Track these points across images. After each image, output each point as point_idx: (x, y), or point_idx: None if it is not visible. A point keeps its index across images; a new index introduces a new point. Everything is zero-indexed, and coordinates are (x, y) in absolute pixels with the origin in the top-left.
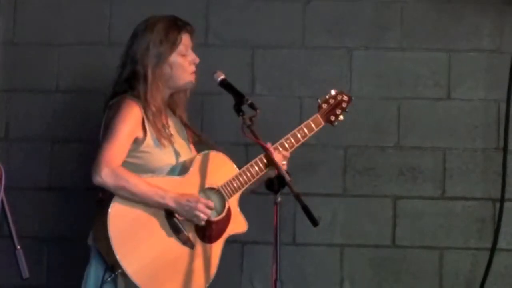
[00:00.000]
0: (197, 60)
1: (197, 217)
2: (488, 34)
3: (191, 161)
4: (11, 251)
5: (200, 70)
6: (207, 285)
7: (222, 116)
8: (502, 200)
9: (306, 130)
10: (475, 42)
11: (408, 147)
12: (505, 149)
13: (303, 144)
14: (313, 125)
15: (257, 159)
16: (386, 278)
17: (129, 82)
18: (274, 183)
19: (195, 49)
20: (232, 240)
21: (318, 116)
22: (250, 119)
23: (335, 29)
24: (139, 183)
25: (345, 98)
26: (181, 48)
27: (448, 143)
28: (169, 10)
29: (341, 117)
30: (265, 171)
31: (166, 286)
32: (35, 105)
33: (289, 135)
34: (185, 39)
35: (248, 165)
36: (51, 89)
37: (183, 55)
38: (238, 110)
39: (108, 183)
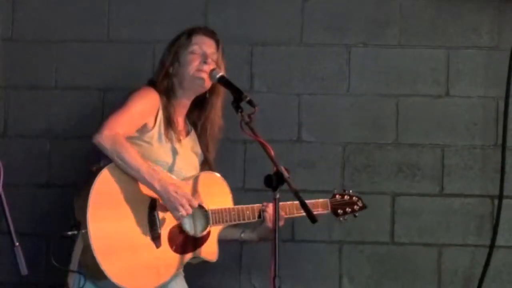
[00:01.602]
0: (209, 62)
1: (177, 210)
2: (486, 31)
3: (194, 176)
4: (9, 247)
5: None
6: (155, 286)
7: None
8: (500, 197)
9: (309, 207)
10: (474, 39)
11: (406, 144)
12: (503, 146)
13: (301, 141)
14: (319, 206)
15: (253, 206)
16: (385, 275)
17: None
18: (273, 179)
19: None
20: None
21: (327, 202)
22: (249, 116)
23: (334, 26)
24: (135, 156)
25: (360, 204)
26: (192, 47)
27: (446, 140)
28: (168, 8)
29: (347, 217)
30: (255, 220)
31: (117, 265)
32: (34, 101)
33: (292, 203)
34: (200, 40)
35: (243, 206)
36: (50, 86)
37: (195, 54)
38: (236, 107)
39: (106, 144)
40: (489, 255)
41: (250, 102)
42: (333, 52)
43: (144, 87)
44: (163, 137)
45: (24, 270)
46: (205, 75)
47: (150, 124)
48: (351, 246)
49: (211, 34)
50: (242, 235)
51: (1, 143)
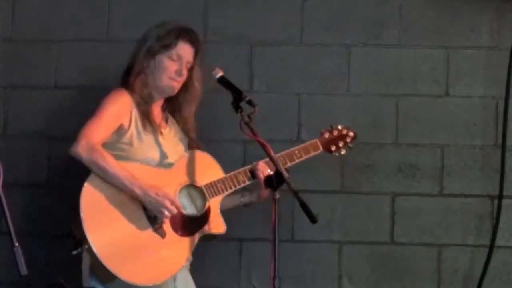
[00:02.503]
0: (183, 74)
1: (161, 213)
2: (486, 31)
3: (180, 158)
4: (9, 248)
5: None
6: (169, 276)
7: (220, 113)
8: (500, 197)
9: (302, 153)
10: (474, 39)
11: (406, 144)
12: (503, 146)
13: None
14: (310, 149)
15: (244, 168)
16: (385, 275)
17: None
18: (273, 180)
19: None
20: (230, 237)
21: (317, 142)
22: (249, 116)
23: (334, 26)
24: (111, 163)
25: (351, 134)
26: (173, 53)
27: (446, 140)
28: (168, 7)
29: (343, 151)
30: (250, 181)
31: (128, 267)
32: (33, 101)
33: (283, 153)
34: (182, 49)
35: (235, 172)
36: (49, 86)
37: (173, 61)
38: (236, 107)
39: (82, 154)
40: (489, 255)
41: (250, 102)
42: (332, 52)
43: (113, 90)
44: (142, 134)
45: (23, 270)
46: (177, 86)
47: (126, 124)
48: (350, 246)
49: (195, 42)
50: (242, 199)
51: (0, 143)
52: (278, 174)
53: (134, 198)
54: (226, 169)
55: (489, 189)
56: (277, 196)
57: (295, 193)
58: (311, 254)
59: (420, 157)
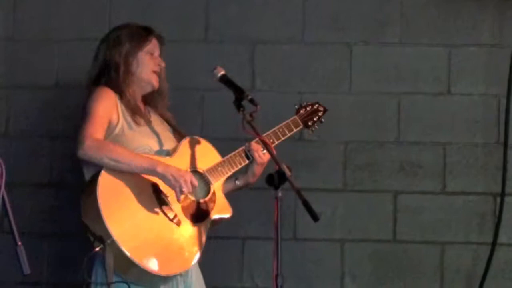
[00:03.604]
0: (163, 64)
1: (180, 187)
2: (488, 28)
3: (177, 145)
4: (12, 247)
5: (200, 66)
6: (191, 264)
7: (222, 112)
8: (502, 194)
9: (286, 130)
10: (475, 36)
11: (408, 142)
12: (505, 144)
13: (303, 140)
14: (292, 126)
15: (238, 150)
16: (387, 273)
17: (100, 79)
18: (275, 178)
19: (195, 44)
20: (232, 236)
21: (296, 118)
22: (251, 115)
23: (335, 25)
24: (123, 152)
25: (321, 108)
26: (150, 47)
27: (448, 138)
28: (169, 6)
29: (317, 126)
30: (246, 162)
31: (152, 257)
32: (35, 101)
33: (269, 132)
34: (155, 42)
35: (231, 154)
36: (51, 85)
37: (151, 54)
38: (238, 105)
39: (92, 153)
40: (491, 252)
41: (252, 101)
42: (334, 50)
43: (96, 90)
44: (133, 124)
45: (26, 269)
46: (158, 78)
47: (114, 119)
48: (353, 244)
49: (158, 35)
50: (237, 182)
51: (2, 143)
52: (280, 172)
53: (144, 185)
54: None
55: (491, 186)
56: (279, 194)
57: (297, 192)
58: (313, 253)
59: (422, 155)
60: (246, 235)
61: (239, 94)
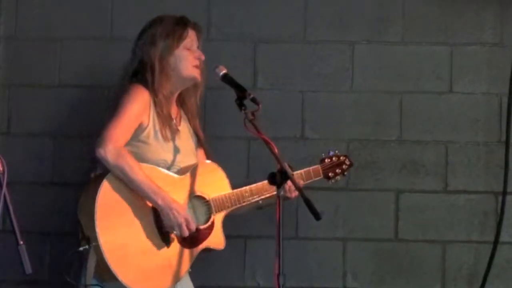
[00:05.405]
0: (202, 57)
1: (175, 230)
2: (490, 27)
3: (191, 166)
4: (14, 246)
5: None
6: (171, 286)
7: (224, 111)
8: (504, 193)
9: (304, 176)
10: (477, 35)
11: (410, 141)
12: (507, 143)
13: (305, 139)
14: (312, 174)
15: (251, 187)
16: (389, 272)
17: (137, 75)
18: (277, 177)
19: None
20: (234, 235)
21: (319, 168)
22: (252, 114)
23: (337, 23)
24: (138, 171)
25: (348, 162)
26: (187, 42)
27: (450, 136)
28: (171, 5)
29: (338, 178)
30: (255, 199)
31: (132, 271)
32: (37, 100)
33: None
34: (192, 35)
35: (246, 187)
36: (53, 84)
37: (189, 49)
38: (240, 104)
39: (110, 160)
40: (493, 251)
41: (254, 100)
42: (336, 49)
43: (133, 88)
44: (159, 133)
45: (28, 268)
46: (200, 72)
47: (145, 122)
48: (355, 243)
49: (195, 25)
50: (261, 201)
51: (4, 141)
52: (282, 171)
53: (146, 203)
54: (230, 167)
55: (493, 185)
56: (281, 193)
57: (299, 190)
58: (315, 251)
59: (424, 154)
60: (248, 234)
61: (241, 93)
